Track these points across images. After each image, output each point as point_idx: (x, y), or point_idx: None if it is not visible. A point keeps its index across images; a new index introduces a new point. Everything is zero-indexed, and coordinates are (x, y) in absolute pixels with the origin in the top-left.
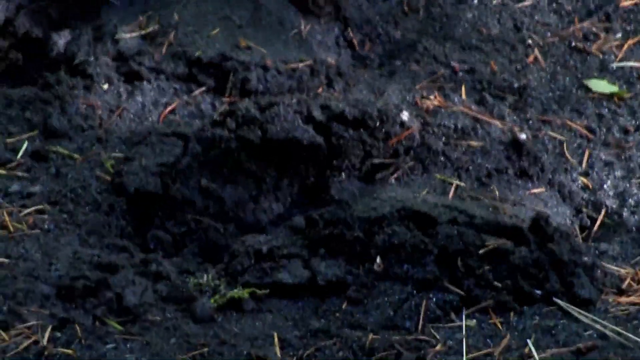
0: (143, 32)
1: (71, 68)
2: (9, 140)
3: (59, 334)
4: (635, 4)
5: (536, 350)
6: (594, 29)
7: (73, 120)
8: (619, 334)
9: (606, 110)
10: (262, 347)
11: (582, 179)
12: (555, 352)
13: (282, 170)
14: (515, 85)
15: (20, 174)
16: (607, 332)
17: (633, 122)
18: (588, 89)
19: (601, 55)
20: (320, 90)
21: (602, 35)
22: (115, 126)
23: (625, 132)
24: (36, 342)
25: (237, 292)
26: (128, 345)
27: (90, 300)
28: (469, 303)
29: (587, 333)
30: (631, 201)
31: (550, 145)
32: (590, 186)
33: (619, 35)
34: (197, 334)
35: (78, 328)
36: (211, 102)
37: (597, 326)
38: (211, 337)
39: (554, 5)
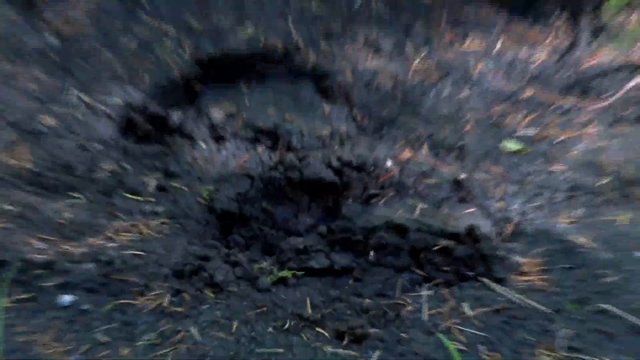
0: (226, 112)
1: (182, 134)
2: (144, 178)
3: (174, 299)
4: (533, 95)
5: (470, 310)
6: (506, 110)
7: (183, 166)
8: (520, 300)
9: (514, 160)
10: (299, 307)
11: (499, 203)
12: (480, 311)
13: (312, 197)
14: (458, 144)
15: (150, 199)
16: (514, 299)
17: (530, 168)
18: (503, 148)
19: (511, 126)
20: (336, 148)
21: (512, 114)
22: (209, 170)
23: (527, 174)
24: (160, 304)
25: (284, 273)
26: (217, 306)
27: (194, 278)
28: (428, 280)
29: (501, 299)
30: (529, 217)
31: (479, 182)
32: (504, 208)
33: (522, 114)
34: (260, 299)
35: (186, 295)
36: (268, 155)
37: (507, 295)
38: (268, 301)
39: (481, 95)
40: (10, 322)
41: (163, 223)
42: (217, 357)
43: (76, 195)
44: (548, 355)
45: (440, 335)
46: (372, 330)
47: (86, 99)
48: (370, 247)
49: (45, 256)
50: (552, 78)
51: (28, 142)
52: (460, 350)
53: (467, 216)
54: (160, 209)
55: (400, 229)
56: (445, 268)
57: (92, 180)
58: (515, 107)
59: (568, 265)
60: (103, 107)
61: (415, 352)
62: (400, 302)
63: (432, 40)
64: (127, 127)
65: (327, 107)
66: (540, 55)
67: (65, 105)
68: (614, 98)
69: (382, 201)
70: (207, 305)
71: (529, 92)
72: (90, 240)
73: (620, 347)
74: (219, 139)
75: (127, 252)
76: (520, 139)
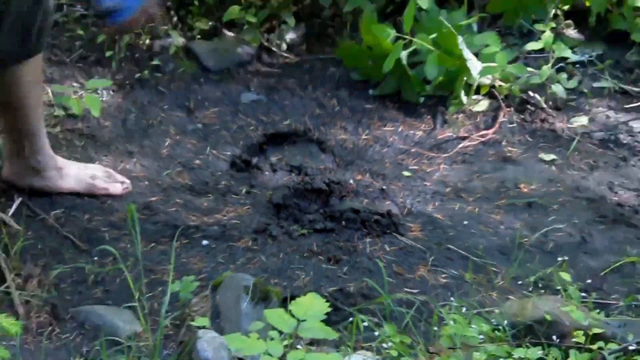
0: (277, 158)
1: (257, 168)
2: (240, 188)
3: (254, 243)
4: (416, 151)
5: (387, 247)
6: (404, 158)
7: (258, 182)
8: (412, 243)
9: (408, 180)
10: (310, 246)
11: (401, 199)
12: (393, 248)
13: (316, 197)
14: (382, 172)
15: (242, 197)
16: (408, 243)
17: (415, 184)
18: (403, 174)
19: (406, 165)
20: (327, 174)
21: (406, 159)
22: (269, 183)
23: (413, 186)
24: (247, 245)
25: (303, 231)
26: (273, 246)
27: (263, 233)
28: (369, 234)
29: (402, 243)
30: (414, 206)
31: (392, 190)
32: (403, 201)
33: (411, 159)
34: (292, 243)
35: (259, 241)
36: (296, 177)
37: (405, 241)
38: (296, 244)
39: (393, 150)
40: (178, 253)
41: (248, 208)
42: (273, 270)
43: (209, 195)
44: (424, 268)
45: (375, 259)
46: (344, 257)
47: (214, 152)
48: (343, 219)
49: (195, 223)
50: (424, 143)
51: (187, 171)
52: (383, 266)
53: (387, 205)
54: (247, 202)
55: (356, 211)
56: (377, 229)
57: (217, 189)
58: (408, 156)
59: (432, 227)
60: (222, 156)
61: (363, 267)
62: (356, 244)
63: (370, 126)
64: (232, 165)
65: (323, 156)
66: (419, 133)
67: (204, 154)
68: (452, 152)
69: (348, 198)
70: (268, 246)
71: (414, 149)
72: (216, 215)
73: (455, 264)
74: (274, 170)
75: (232, 221)
76: (410, 170)
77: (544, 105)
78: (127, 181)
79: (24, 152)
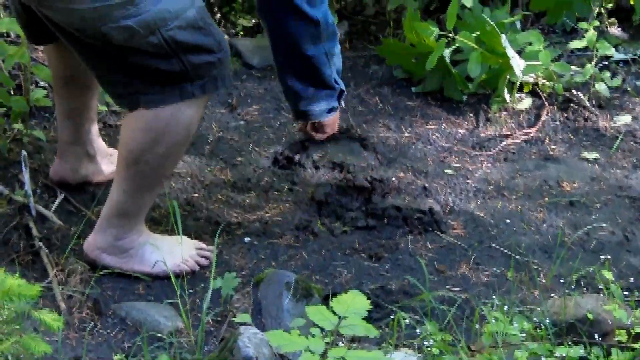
0: (320, 155)
1: (300, 164)
2: (282, 185)
3: (295, 240)
4: (458, 149)
5: (430, 245)
6: (446, 155)
7: (300, 179)
8: (453, 241)
9: (450, 178)
10: (352, 244)
11: (443, 197)
12: (435, 245)
13: (358, 194)
14: (425, 170)
15: (285, 194)
16: (450, 240)
17: (457, 182)
18: (445, 172)
19: (449, 162)
20: (369, 172)
21: (449, 157)
22: (312, 180)
23: (455, 184)
24: (289, 242)
25: (345, 228)
26: (314, 243)
27: (304, 230)
28: (411, 232)
29: (444, 241)
30: (457, 204)
31: (434, 188)
32: (446, 199)
33: (454, 157)
34: (334, 240)
35: (301, 238)
36: (339, 175)
37: (447, 239)
38: (337, 241)
39: (435, 148)
40: (220, 250)
41: (290, 205)
42: (315, 266)
43: (251, 192)
44: (466, 266)
45: (416, 257)
46: (385, 254)
47: (256, 149)
48: (384, 216)
49: (237, 220)
50: (467, 141)
51: (229, 168)
52: (425, 264)
53: (429, 203)
54: (289, 198)
55: (398, 208)
56: (419, 226)
57: (259, 186)
58: (450, 154)
59: (474, 225)
60: (264, 153)
61: (405, 264)
62: (398, 242)
63: (412, 123)
64: (274, 162)
65: (365, 153)
66: (461, 131)
67: (247, 151)
68: (494, 150)
69: (390, 196)
70: (310, 243)
71: (456, 147)
72: (258, 212)
73: (497, 262)
74: (316, 167)
75: (274, 218)
76: (452, 168)
77: (587, 104)
78: None
79: (82, 137)
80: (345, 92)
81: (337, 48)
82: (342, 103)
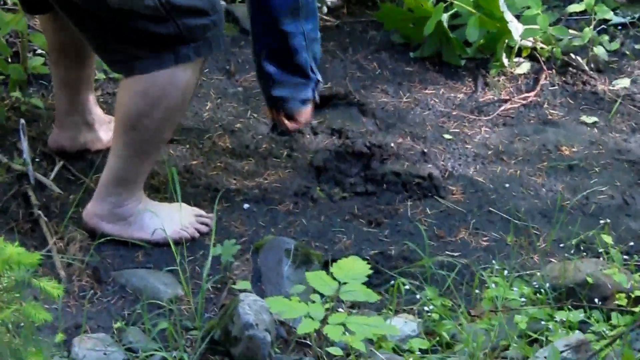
0: (319, 121)
1: (298, 131)
2: (280, 151)
3: (294, 206)
4: (457, 114)
5: (429, 210)
6: (445, 120)
7: (299, 145)
8: (452, 206)
9: (449, 143)
10: (351, 209)
11: (442, 162)
12: (434, 211)
13: (357, 160)
14: (423, 135)
15: (283, 160)
16: (449, 205)
17: (456, 147)
18: (443, 137)
19: (447, 128)
20: (368, 137)
21: (447, 122)
22: (310, 147)
23: (454, 149)
24: (288, 208)
25: (344, 194)
26: (314, 209)
27: (303, 196)
28: (410, 197)
29: (443, 206)
30: (455, 169)
31: (433, 153)
32: (445, 164)
33: (452, 122)
34: (333, 205)
35: (300, 205)
36: (337, 141)
37: (446, 204)
38: (337, 207)
39: (434, 114)
40: (219, 217)
41: (289, 171)
42: (314, 232)
43: (250, 159)
44: (465, 231)
45: (416, 223)
46: (385, 220)
47: (255, 115)
48: (384, 182)
49: (236, 187)
50: (465, 106)
51: (228, 134)
52: (424, 229)
53: (428, 168)
54: (288, 165)
55: (397, 174)
56: (418, 192)
57: (257, 152)
58: (449, 119)
59: (473, 190)
60: (262, 119)
61: (404, 230)
62: (398, 207)
63: (411, 88)
64: (273, 128)
65: (364, 119)
66: (460, 96)
67: (245, 118)
68: (493, 115)
69: (389, 161)
70: (309, 209)
71: (455, 112)
72: (257, 179)
73: (496, 227)
74: (315, 133)
75: (273, 184)
76: (451, 133)
77: (586, 68)
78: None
79: (80, 106)
80: (322, 84)
81: (318, 34)
82: (317, 97)
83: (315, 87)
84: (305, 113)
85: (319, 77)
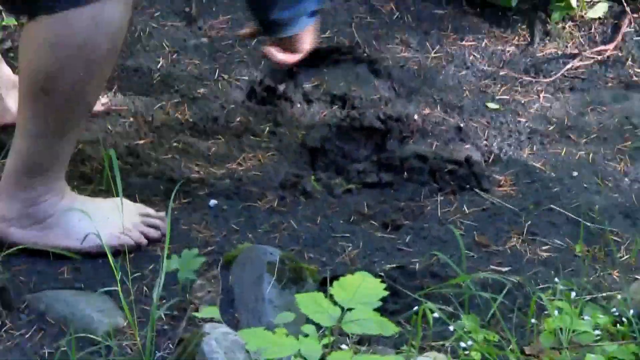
0: (313, 84)
1: (285, 98)
2: (261, 126)
3: (281, 202)
4: (505, 74)
5: (467, 209)
6: (489, 83)
7: (286, 118)
8: (499, 202)
9: (494, 115)
10: (359, 207)
11: (485, 142)
12: (473, 210)
13: (367, 138)
14: (459, 104)
15: (265, 139)
16: (495, 202)
17: (504, 119)
18: (487, 106)
19: (492, 93)
20: (382, 107)
21: (492, 85)
22: (302, 120)
23: (502, 123)
24: (272, 206)
25: (349, 186)
26: (307, 207)
27: (293, 189)
28: (441, 190)
29: (486, 202)
30: (504, 150)
31: (472, 129)
32: (488, 144)
33: (499, 85)
34: (334, 202)
35: (287, 200)
36: (340, 112)
37: (490, 199)
38: (339, 203)
39: (473, 74)
40: (175, 217)
41: (273, 154)
42: (308, 239)
43: (219, 137)
44: (517, 237)
45: (449, 225)
46: (405, 222)
47: (225, 76)
48: (404, 169)
49: (198, 175)
50: (517, 64)
51: (188, 103)
52: (460, 234)
53: (465, 150)
54: (271, 145)
55: (423, 158)
56: (451, 182)
57: (229, 128)
58: (494, 81)
59: (529, 181)
60: (236, 82)
61: (433, 235)
62: (423, 204)
63: (442, 39)
64: (250, 94)
65: (376, 82)
66: (510, 49)
67: (212, 80)
68: (556, 76)
69: (411, 140)
70: (300, 206)
71: (502, 72)
72: (228, 165)
73: (561, 231)
74: (308, 101)
75: (251, 172)
76: (497, 101)
77: None
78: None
79: None
80: None
81: None
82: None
83: None
84: (306, 35)
85: None
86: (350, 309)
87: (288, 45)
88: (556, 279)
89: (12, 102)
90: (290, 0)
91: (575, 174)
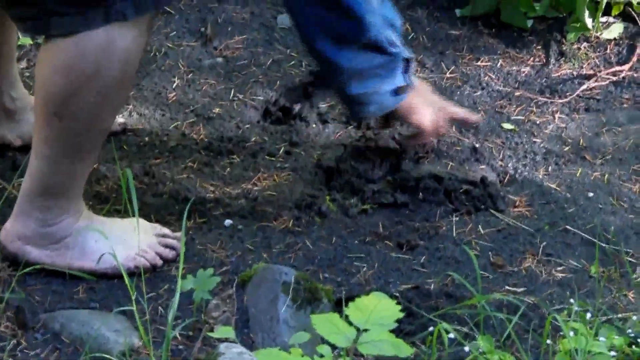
0: (328, 105)
1: (300, 118)
2: (276, 146)
3: (296, 223)
4: (520, 95)
5: (482, 229)
6: (504, 104)
7: (301, 138)
8: (514, 223)
9: (509, 135)
10: (374, 227)
11: (500, 162)
12: (489, 230)
13: (382, 158)
14: (474, 125)
15: (280, 159)
16: (510, 222)
17: (519, 140)
18: (502, 127)
19: (507, 114)
20: (397, 127)
21: (507, 106)
22: (318, 141)
23: (517, 144)
24: (286, 226)
25: (365, 206)
26: (322, 227)
27: (308, 209)
28: (456, 211)
29: (502, 223)
30: (519, 171)
31: (487, 149)
32: (503, 165)
33: (514, 106)
34: (349, 223)
35: (303, 220)
36: (355, 132)
37: (506, 220)
38: (354, 224)
39: (489, 94)
40: (190, 237)
41: (288, 174)
42: (323, 259)
43: (234, 157)
44: (532, 258)
45: (464, 246)
46: (421, 242)
47: (240, 96)
48: (419, 189)
49: (214, 195)
50: (532, 84)
51: (203, 122)
52: (475, 255)
53: (480, 170)
54: (286, 165)
55: (438, 178)
56: (466, 203)
57: (244, 147)
58: (510, 102)
59: (544, 202)
60: (251, 102)
61: (448, 256)
62: (438, 224)
63: (457, 60)
64: (265, 114)
65: None
66: (525, 70)
67: (227, 100)
68: (571, 97)
69: (426, 160)
70: (315, 227)
71: (518, 93)
72: (243, 185)
73: (576, 252)
74: (324, 121)
75: (266, 192)
76: (513, 121)
77: None
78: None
79: None
80: (414, 61)
81: None
82: (412, 80)
83: (406, 66)
84: (412, 110)
85: (404, 53)
86: (365, 330)
87: (396, 118)
88: (571, 300)
89: (28, 124)
90: (366, 70)
91: (590, 194)
